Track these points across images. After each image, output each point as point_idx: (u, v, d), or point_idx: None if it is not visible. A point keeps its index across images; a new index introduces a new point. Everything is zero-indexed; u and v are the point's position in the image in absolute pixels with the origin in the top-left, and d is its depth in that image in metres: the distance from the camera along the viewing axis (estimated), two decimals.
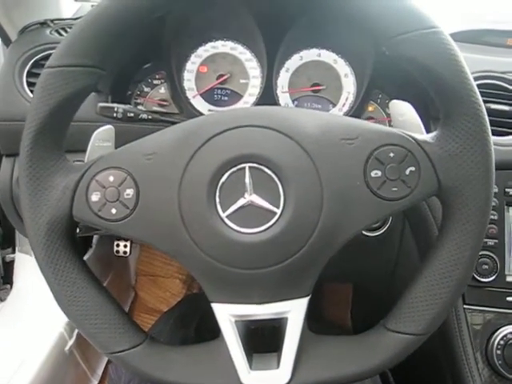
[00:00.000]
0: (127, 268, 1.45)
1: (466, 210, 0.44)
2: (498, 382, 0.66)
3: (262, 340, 0.49)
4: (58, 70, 0.44)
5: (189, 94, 0.76)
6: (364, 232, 0.66)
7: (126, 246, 1.18)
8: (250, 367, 0.46)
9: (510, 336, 0.65)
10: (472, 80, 0.44)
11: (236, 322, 0.46)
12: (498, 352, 0.65)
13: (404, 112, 0.50)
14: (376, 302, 0.87)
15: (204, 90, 0.76)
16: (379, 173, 0.44)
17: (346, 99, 0.75)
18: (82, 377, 1.11)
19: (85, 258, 1.12)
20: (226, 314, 0.46)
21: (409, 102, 0.51)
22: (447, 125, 0.45)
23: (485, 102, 0.70)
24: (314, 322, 0.47)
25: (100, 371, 1.18)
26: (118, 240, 1.18)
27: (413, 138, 0.45)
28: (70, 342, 1.01)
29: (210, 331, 0.48)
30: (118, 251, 1.19)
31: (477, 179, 0.44)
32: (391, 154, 0.44)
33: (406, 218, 0.72)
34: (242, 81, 0.76)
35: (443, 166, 0.44)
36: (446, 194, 0.45)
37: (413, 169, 0.44)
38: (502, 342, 0.65)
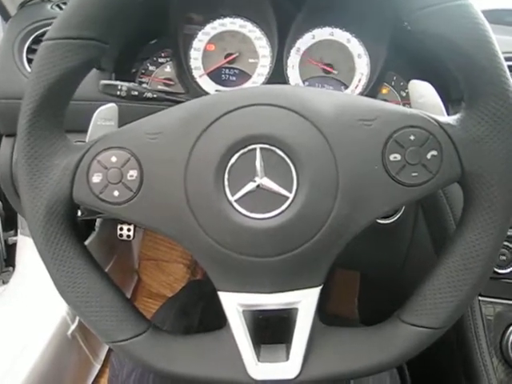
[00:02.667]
0: (130, 252, 1.43)
1: (490, 198, 0.41)
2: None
3: (271, 331, 0.47)
4: (57, 42, 0.42)
5: (195, 74, 0.73)
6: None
7: (129, 230, 1.16)
8: (258, 359, 0.44)
9: None
10: (503, 59, 0.40)
11: (244, 311, 0.44)
12: None
13: (424, 93, 0.47)
14: (385, 291, 0.85)
15: (211, 69, 0.73)
16: (398, 156, 0.41)
17: (359, 81, 0.72)
18: (84, 361, 1.10)
19: (87, 241, 1.11)
20: (234, 303, 0.44)
21: (428, 82, 0.48)
22: (473, 107, 0.42)
23: None
24: (321, 311, 0.45)
25: (102, 356, 1.18)
26: (122, 224, 1.16)
27: (435, 119, 0.42)
28: (73, 327, 1.00)
29: (215, 319, 0.46)
30: (121, 235, 1.17)
31: (504, 166, 0.41)
32: (412, 137, 0.41)
33: (421, 205, 0.70)
34: (250, 60, 0.73)
35: (467, 150, 0.41)
36: (469, 181, 0.42)
37: (435, 153, 0.41)
38: None
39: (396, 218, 0.64)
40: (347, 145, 0.41)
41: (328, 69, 0.72)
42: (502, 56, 0.40)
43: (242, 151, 0.40)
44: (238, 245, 0.41)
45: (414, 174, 0.41)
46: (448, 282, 0.43)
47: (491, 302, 0.65)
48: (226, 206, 0.40)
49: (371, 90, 0.71)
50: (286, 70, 0.72)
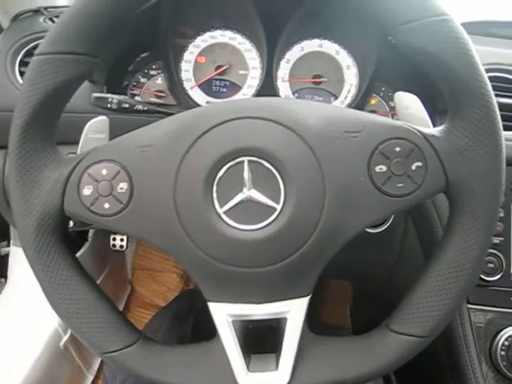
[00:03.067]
0: (124, 262, 1.43)
1: (474, 207, 0.42)
2: (502, 381, 0.65)
3: (261, 340, 0.48)
4: (48, 57, 0.42)
5: (186, 85, 0.73)
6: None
7: (122, 240, 1.16)
8: (248, 369, 0.44)
9: None
10: (483, 71, 0.41)
11: (233, 321, 0.44)
12: (503, 353, 0.64)
13: (409, 105, 0.48)
14: (376, 300, 0.86)
15: (202, 81, 0.73)
16: (384, 168, 0.42)
17: (348, 92, 0.73)
18: (77, 372, 1.09)
19: (81, 251, 1.11)
20: (223, 314, 0.44)
21: (414, 94, 0.49)
22: (456, 118, 0.43)
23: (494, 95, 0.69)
24: (313, 321, 0.46)
25: (96, 366, 1.17)
26: (115, 234, 1.16)
27: (420, 131, 0.42)
28: (65, 338, 1.00)
29: (208, 329, 0.47)
30: (114, 245, 1.17)
31: (487, 175, 0.42)
32: (397, 149, 0.42)
33: (410, 214, 0.70)
34: (241, 72, 0.74)
35: (451, 161, 0.42)
36: (454, 191, 0.43)
37: (420, 164, 0.42)
38: (506, 343, 0.64)
39: (385, 227, 0.65)
40: (333, 156, 0.41)
41: (317, 80, 0.73)
42: (482, 68, 0.41)
43: (230, 164, 0.41)
44: (227, 256, 0.41)
45: (399, 185, 0.42)
46: (434, 291, 0.43)
47: (480, 310, 0.66)
48: (214, 217, 0.41)
49: (360, 101, 0.72)
50: (276, 81, 0.73)
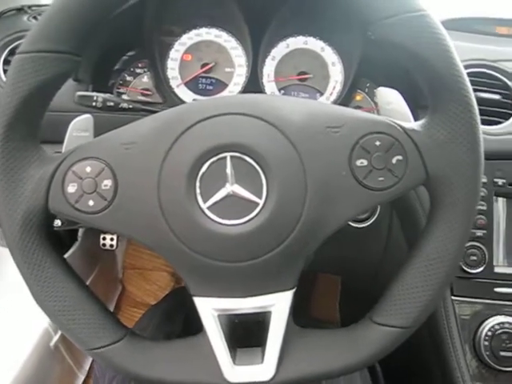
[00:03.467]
0: (114, 261, 1.43)
1: (453, 199, 0.43)
2: (486, 373, 0.66)
3: (247, 334, 0.48)
4: (30, 55, 0.42)
5: (172, 83, 0.74)
6: (351, 223, 0.64)
7: (112, 240, 1.16)
8: (234, 362, 0.45)
9: (497, 327, 0.65)
10: (461, 66, 0.42)
11: (219, 316, 0.45)
12: (486, 343, 0.65)
13: (391, 100, 0.49)
14: (364, 295, 0.87)
15: (188, 78, 0.74)
16: (365, 162, 0.42)
17: (334, 88, 0.74)
18: (68, 372, 1.09)
19: (70, 251, 1.11)
20: (209, 308, 0.44)
21: (397, 89, 0.50)
22: (435, 112, 0.44)
23: (475, 90, 0.69)
24: (302, 315, 0.46)
25: (87, 366, 1.17)
26: (105, 233, 1.16)
27: (400, 126, 0.43)
28: (55, 338, 1.00)
29: (197, 325, 0.47)
30: (104, 244, 1.17)
31: (465, 168, 0.43)
32: (377, 143, 0.42)
33: (394, 208, 0.71)
34: (227, 69, 0.74)
35: (431, 154, 0.43)
36: (433, 184, 0.44)
37: (400, 158, 0.42)
38: (489, 333, 0.65)
39: (371, 222, 0.65)
40: (315, 151, 0.42)
41: (303, 77, 0.74)
42: (460, 63, 0.42)
43: (212, 159, 0.41)
44: (210, 250, 0.42)
45: (380, 179, 0.42)
46: (416, 282, 0.44)
47: (464, 301, 0.67)
48: (198, 213, 0.41)
49: (346, 97, 0.73)
50: (262, 78, 0.74)
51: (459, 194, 0.43)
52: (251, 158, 0.41)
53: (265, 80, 0.74)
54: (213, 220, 0.41)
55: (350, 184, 0.42)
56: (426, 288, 0.44)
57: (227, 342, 0.45)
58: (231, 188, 0.41)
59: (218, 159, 0.41)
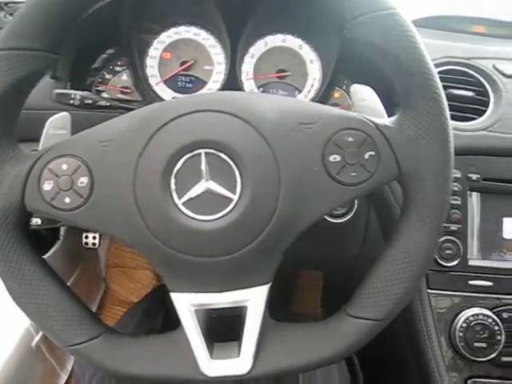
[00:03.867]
0: (97, 260, 1.42)
1: (424, 194, 0.44)
2: (461, 364, 0.68)
3: (225, 329, 0.49)
4: (4, 53, 0.42)
5: (152, 81, 0.74)
6: (329, 219, 0.65)
7: (94, 238, 1.15)
8: (211, 356, 0.45)
9: (471, 319, 0.67)
10: (430, 63, 0.43)
11: (196, 311, 0.45)
12: (461, 334, 0.66)
13: (365, 97, 0.50)
14: (343, 289, 0.88)
15: (167, 76, 0.74)
16: (338, 157, 0.43)
17: (312, 86, 0.75)
18: (50, 372, 1.09)
19: (52, 250, 1.10)
20: (185, 303, 0.45)
21: (371, 87, 0.51)
22: (406, 109, 0.45)
23: (449, 87, 0.71)
24: (283, 309, 0.47)
25: (69, 366, 1.16)
26: (87, 232, 1.15)
27: (372, 122, 0.44)
28: (37, 338, 0.99)
29: (176, 321, 0.47)
30: (86, 243, 1.16)
31: (435, 163, 0.44)
32: (350, 139, 0.43)
33: (371, 204, 0.72)
34: (206, 67, 0.74)
35: (402, 150, 0.44)
36: (405, 179, 0.45)
37: (372, 153, 0.43)
38: (464, 325, 0.66)
39: (348, 217, 0.66)
40: (288, 148, 0.42)
41: (281, 74, 0.74)
42: (429, 60, 0.43)
43: (187, 156, 0.42)
44: (186, 246, 0.42)
45: (353, 174, 0.43)
46: (390, 275, 0.45)
47: (440, 294, 0.68)
48: (173, 209, 0.41)
49: (324, 94, 0.74)
50: (241, 76, 0.74)
51: (430, 189, 0.44)
52: (226, 154, 0.42)
53: (244, 78, 0.74)
54: (187, 216, 0.42)
55: (324, 179, 0.43)
56: (400, 281, 0.45)
57: (204, 336, 0.46)
58: (206, 184, 0.42)
59: (193, 156, 0.42)
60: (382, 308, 0.45)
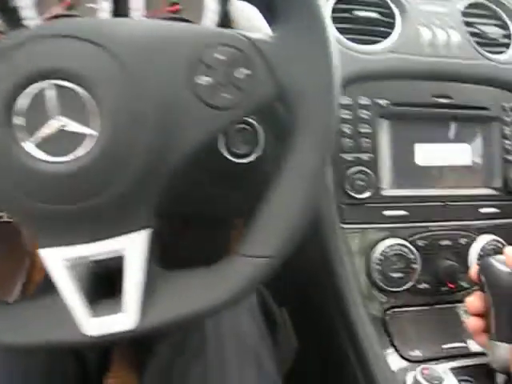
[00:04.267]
0: (18, 234, 1.34)
1: (309, 116, 0.40)
2: (379, 295, 0.66)
3: (110, 285, 0.44)
4: None
5: (29, 24, 0.65)
6: (230, 158, 0.60)
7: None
8: (92, 314, 0.41)
9: (387, 250, 0.65)
10: None
11: (70, 266, 0.40)
12: (378, 267, 0.65)
13: (246, 14, 0.45)
14: None
15: (47, 17, 0.65)
16: (208, 79, 0.38)
17: (209, 18, 0.68)
18: None
19: None
20: (57, 259, 0.40)
21: (253, 3, 0.46)
22: (287, 24, 0.40)
23: (352, 9, 0.67)
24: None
25: None
26: None
27: (246, 36, 0.39)
28: None
29: None
30: (1, 217, 1.08)
31: (318, 79, 0.40)
32: (221, 57, 0.38)
33: (279, 141, 0.68)
34: (88, 5, 0.66)
35: (282, 67, 0.39)
36: (287, 100, 0.40)
37: (247, 71, 0.39)
38: (381, 257, 0.65)
39: (253, 157, 0.62)
40: (150, 72, 0.37)
41: (174, 9, 0.68)
42: None
43: (30, 89, 0.35)
44: (43, 194, 0.36)
45: (226, 96, 0.39)
46: (278, 208, 0.41)
47: (355, 228, 0.66)
48: (20, 151, 0.35)
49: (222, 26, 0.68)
50: (130, 13, 0.67)
51: (315, 111, 0.40)
52: (78, 84, 0.36)
53: (133, 14, 0.67)
54: (38, 159, 0.36)
55: (194, 104, 0.38)
56: (288, 212, 0.41)
57: (85, 294, 0.41)
58: (56, 121, 0.36)
59: (38, 89, 0.36)
60: (271, 243, 0.42)
